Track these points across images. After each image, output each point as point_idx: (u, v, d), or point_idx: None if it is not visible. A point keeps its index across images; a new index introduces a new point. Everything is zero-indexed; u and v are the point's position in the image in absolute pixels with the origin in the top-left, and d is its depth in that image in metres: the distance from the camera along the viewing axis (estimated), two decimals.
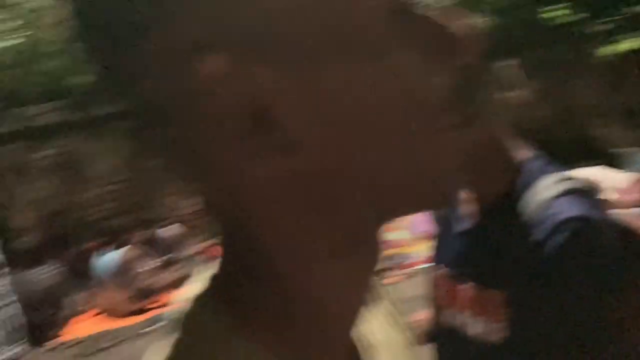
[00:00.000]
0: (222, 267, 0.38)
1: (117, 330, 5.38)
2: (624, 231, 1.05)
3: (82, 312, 6.05)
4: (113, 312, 5.77)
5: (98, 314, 5.93)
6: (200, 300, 0.37)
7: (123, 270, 5.99)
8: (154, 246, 6.56)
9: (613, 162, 4.53)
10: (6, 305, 5.38)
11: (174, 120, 0.33)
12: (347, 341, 0.39)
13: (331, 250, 0.35)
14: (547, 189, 1.02)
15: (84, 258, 6.45)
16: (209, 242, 6.41)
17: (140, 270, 6.05)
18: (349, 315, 0.38)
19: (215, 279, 0.38)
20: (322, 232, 0.34)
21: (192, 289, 0.39)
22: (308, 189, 0.33)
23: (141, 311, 5.70)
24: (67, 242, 6.90)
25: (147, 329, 5.25)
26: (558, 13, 6.77)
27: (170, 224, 6.92)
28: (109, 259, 6.13)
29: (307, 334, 0.36)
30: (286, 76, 0.30)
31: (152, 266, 6.19)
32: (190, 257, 6.15)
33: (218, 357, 0.34)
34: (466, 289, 1.13)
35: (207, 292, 0.37)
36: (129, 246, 6.28)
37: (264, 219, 0.34)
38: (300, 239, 0.34)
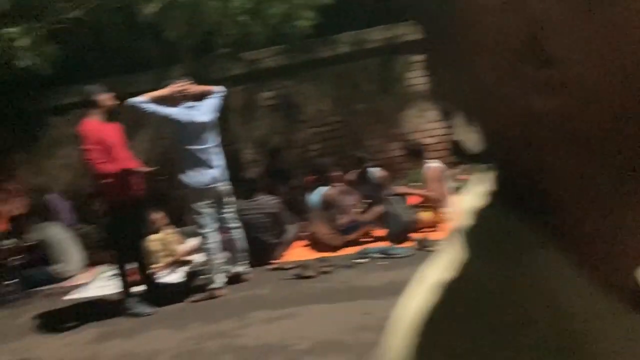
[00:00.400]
0: (501, 186, 0.37)
1: (328, 258, 5.67)
2: None
3: (298, 239, 6.45)
4: (321, 242, 6.10)
5: (310, 243, 6.33)
6: (487, 215, 0.36)
7: (329, 205, 6.30)
8: (358, 185, 6.78)
9: None
10: (234, 228, 5.68)
11: (452, 50, 0.32)
12: (631, 280, 0.36)
13: (615, 188, 0.32)
14: None
15: (300, 192, 6.84)
16: (408, 185, 6.54)
17: (344, 206, 6.30)
18: (637, 255, 0.35)
19: (495, 195, 0.37)
20: (604, 172, 0.31)
21: (466, 205, 0.38)
22: (584, 127, 0.30)
23: (348, 243, 5.98)
24: (285, 176, 7.23)
25: (356, 260, 5.60)
26: None
27: (374, 166, 7.04)
28: (319, 194, 6.47)
29: (593, 265, 0.34)
30: (562, 7, 0.27)
31: (357, 204, 6.43)
32: (390, 198, 6.28)
33: (525, 266, 0.33)
34: None
35: (491, 207, 0.37)
36: (336, 183, 6.57)
37: (536, 153, 0.32)
38: (581, 177, 0.32)
